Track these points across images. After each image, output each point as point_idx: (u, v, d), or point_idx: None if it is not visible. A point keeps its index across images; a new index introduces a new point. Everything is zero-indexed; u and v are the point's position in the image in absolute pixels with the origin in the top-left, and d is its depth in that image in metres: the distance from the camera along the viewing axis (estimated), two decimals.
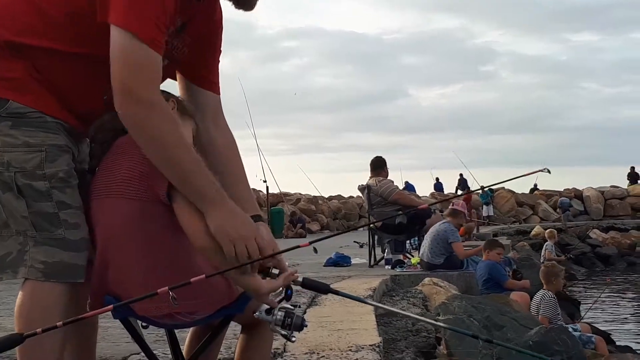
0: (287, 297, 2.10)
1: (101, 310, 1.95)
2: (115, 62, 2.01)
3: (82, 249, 2.18)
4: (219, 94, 2.52)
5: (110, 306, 1.95)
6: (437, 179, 33.93)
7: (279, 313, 2.07)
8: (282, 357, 3.55)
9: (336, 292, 2.23)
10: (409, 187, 21.24)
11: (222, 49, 2.51)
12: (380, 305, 2.73)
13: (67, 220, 2.15)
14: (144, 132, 2.03)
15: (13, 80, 2.14)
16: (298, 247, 2.17)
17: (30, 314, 2.11)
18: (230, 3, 2.32)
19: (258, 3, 2.29)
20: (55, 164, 2.15)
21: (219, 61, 2.51)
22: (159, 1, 2.05)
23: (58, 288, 2.13)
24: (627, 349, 9.20)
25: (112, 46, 2.02)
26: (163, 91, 2.37)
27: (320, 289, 2.22)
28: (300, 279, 2.15)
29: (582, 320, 10.37)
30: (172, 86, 2.48)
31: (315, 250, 7.82)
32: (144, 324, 2.27)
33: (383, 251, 10.15)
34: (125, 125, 2.04)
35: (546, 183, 38.15)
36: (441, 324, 4.09)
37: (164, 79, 2.45)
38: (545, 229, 20.94)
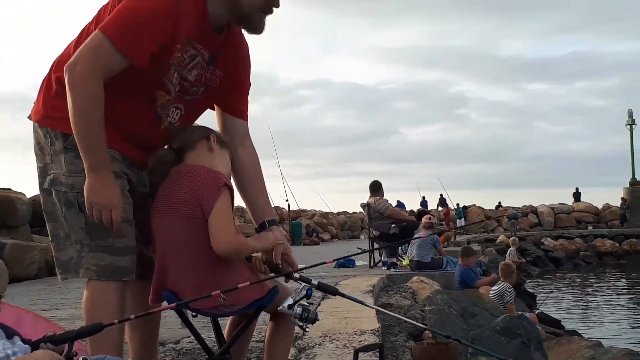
0: (307, 297, 2.09)
1: (166, 307, 1.98)
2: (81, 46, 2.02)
3: (127, 254, 2.15)
4: (247, 120, 2.45)
5: (174, 304, 1.99)
6: (424, 197, 33.62)
7: (298, 309, 2.06)
8: (302, 339, 3.53)
9: (343, 295, 2.23)
10: (400, 204, 21.00)
11: (251, 96, 2.43)
12: (377, 307, 2.72)
13: None
14: (70, 96, 2.01)
15: None
16: (325, 263, 2.26)
17: (94, 306, 2.11)
18: (243, 28, 2.25)
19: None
20: None
21: (248, 92, 2.43)
22: (150, 30, 2.01)
23: (112, 285, 2.11)
24: (574, 332, 9.09)
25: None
26: (205, 127, 2.35)
27: (331, 291, 2.21)
28: (315, 283, 2.14)
29: (536, 310, 10.28)
30: (209, 117, 2.46)
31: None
32: (193, 314, 2.27)
33: (380, 255, 10.10)
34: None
35: (509, 201, 38.15)
36: (422, 325, 4.09)
37: (202, 111, 2.40)
38: (509, 238, 21.06)
